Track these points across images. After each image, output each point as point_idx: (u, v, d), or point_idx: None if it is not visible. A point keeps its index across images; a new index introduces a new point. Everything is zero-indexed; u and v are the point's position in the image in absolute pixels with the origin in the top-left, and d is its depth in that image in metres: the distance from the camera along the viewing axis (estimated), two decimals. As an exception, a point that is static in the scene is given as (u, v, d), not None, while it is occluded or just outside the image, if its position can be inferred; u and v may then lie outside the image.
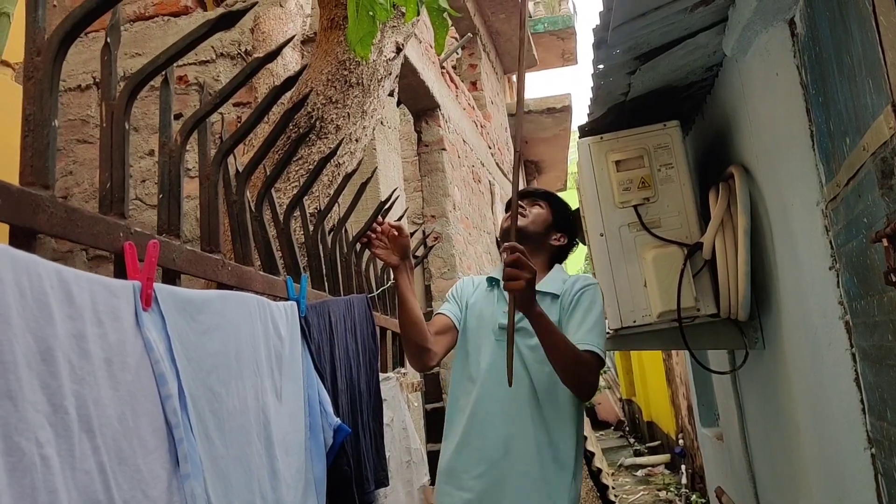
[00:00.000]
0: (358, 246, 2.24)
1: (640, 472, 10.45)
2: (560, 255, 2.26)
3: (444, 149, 4.46)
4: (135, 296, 0.94)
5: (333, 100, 2.24)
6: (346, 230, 2.26)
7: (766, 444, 3.08)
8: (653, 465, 10.51)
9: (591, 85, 2.79)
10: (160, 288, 1.00)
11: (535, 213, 2.19)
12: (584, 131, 3.10)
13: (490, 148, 6.64)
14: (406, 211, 2.85)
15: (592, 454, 8.68)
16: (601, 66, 2.60)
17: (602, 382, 14.89)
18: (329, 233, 2.12)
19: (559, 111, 8.32)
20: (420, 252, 3.60)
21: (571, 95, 8.57)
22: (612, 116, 3.06)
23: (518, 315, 1.96)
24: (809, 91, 2.09)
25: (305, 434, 1.50)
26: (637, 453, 11.78)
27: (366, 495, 1.88)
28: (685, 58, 2.66)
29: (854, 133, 1.72)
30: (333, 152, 1.78)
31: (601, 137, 2.95)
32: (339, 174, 2.22)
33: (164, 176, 1.13)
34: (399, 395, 2.53)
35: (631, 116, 3.02)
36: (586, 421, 10.71)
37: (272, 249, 1.56)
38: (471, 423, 1.99)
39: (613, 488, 9.15)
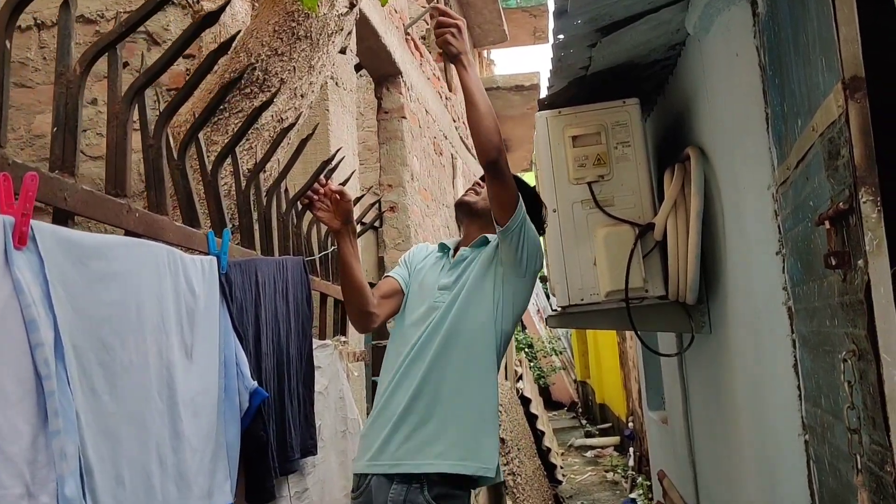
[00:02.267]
0: (299, 206, 2.15)
1: (589, 453, 10.60)
2: None
3: (403, 117, 4.36)
4: (5, 232, 0.85)
5: (279, 52, 2.13)
6: (286, 189, 2.16)
7: (707, 427, 3.09)
8: (602, 447, 10.68)
9: (552, 56, 2.72)
10: (39, 226, 0.91)
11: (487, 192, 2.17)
12: (543, 104, 3.03)
13: (455, 121, 6.54)
14: (353, 173, 2.76)
15: (543, 433, 8.76)
16: (561, 37, 2.53)
17: (558, 363, 15.03)
18: (266, 192, 2.02)
19: (527, 89, 8.23)
20: (368, 219, 3.51)
21: (541, 74, 8.47)
22: (573, 91, 3.00)
23: (448, 276, 1.95)
24: (767, 72, 2.04)
25: (219, 396, 1.42)
26: (588, 434, 11.96)
27: (289, 462, 1.81)
28: (647, 34, 2.60)
29: (806, 115, 1.68)
30: (270, 101, 1.68)
31: (559, 111, 2.89)
32: (280, 129, 2.12)
33: (60, 108, 1.03)
34: (338, 364, 2.45)
35: (591, 92, 2.96)
36: (539, 401, 10.79)
37: (193, 201, 1.46)
38: (391, 389, 1.95)
39: (562, 467, 9.26)
